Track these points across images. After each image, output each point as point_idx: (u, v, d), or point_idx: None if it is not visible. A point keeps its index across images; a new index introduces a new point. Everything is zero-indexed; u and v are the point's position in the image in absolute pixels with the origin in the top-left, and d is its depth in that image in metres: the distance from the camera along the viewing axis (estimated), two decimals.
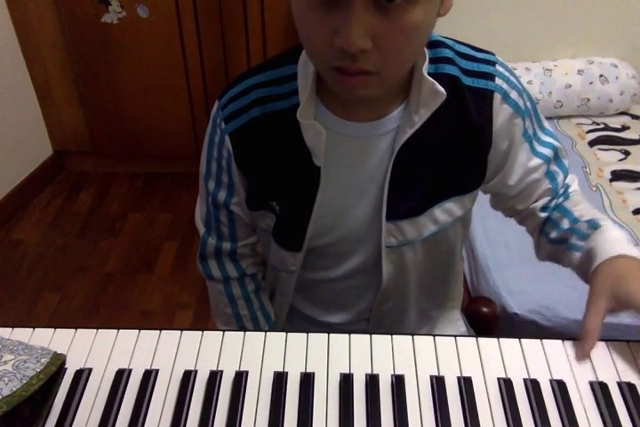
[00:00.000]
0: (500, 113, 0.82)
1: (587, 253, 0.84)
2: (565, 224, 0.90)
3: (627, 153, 2.05)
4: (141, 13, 2.29)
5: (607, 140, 2.13)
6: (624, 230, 0.87)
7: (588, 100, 2.21)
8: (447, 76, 0.78)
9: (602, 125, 2.21)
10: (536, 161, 0.89)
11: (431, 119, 0.77)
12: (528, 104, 0.86)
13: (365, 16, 0.60)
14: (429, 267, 0.95)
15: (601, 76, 2.21)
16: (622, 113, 2.29)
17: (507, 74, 0.82)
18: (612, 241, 0.81)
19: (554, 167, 0.92)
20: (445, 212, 0.87)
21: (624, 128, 2.20)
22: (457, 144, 0.82)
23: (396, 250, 0.89)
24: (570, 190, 0.94)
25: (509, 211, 0.98)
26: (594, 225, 0.86)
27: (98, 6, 2.27)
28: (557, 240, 0.91)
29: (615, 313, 0.77)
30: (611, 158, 2.03)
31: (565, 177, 0.94)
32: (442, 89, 0.75)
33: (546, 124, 0.92)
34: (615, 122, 2.24)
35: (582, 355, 0.76)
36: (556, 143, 0.91)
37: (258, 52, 2.40)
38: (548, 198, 0.93)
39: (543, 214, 0.93)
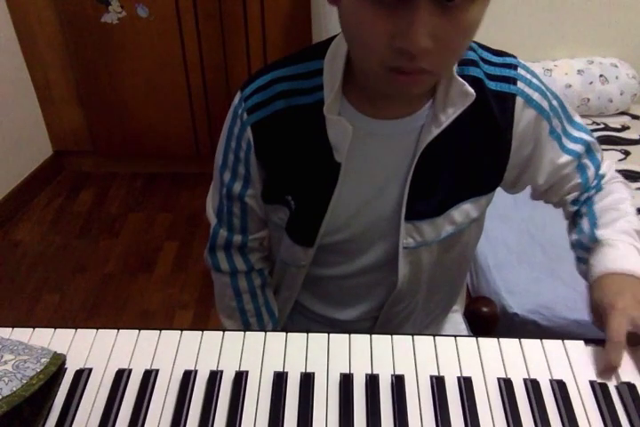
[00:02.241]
0: (523, 117, 0.82)
1: (588, 268, 0.86)
2: (585, 226, 0.90)
3: (627, 153, 2.05)
4: (141, 13, 2.29)
5: (607, 140, 2.13)
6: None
7: (588, 100, 2.21)
8: (472, 78, 0.79)
9: (602, 125, 2.21)
10: (566, 158, 0.89)
11: (455, 120, 0.78)
12: (554, 102, 0.86)
13: (428, 16, 0.60)
14: (443, 268, 0.95)
15: (601, 76, 2.20)
16: (622, 113, 2.29)
17: (528, 76, 0.83)
18: (606, 258, 0.83)
19: (584, 161, 0.91)
20: (463, 213, 0.87)
21: (624, 128, 2.20)
22: (478, 146, 0.82)
23: (413, 251, 0.89)
24: (603, 181, 0.94)
25: (547, 202, 0.99)
26: (594, 238, 0.87)
27: (98, 6, 2.27)
28: (572, 245, 0.94)
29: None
30: (611, 158, 2.02)
31: (597, 170, 0.93)
32: (471, 90, 0.75)
33: (576, 117, 0.91)
34: (615, 122, 2.24)
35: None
36: (587, 137, 0.91)
37: (258, 52, 2.40)
38: (578, 193, 0.93)
39: (573, 208, 0.94)
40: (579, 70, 2.21)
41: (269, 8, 2.29)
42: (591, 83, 2.19)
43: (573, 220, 0.96)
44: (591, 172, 0.92)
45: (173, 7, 2.27)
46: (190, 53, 2.40)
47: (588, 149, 0.91)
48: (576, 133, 0.90)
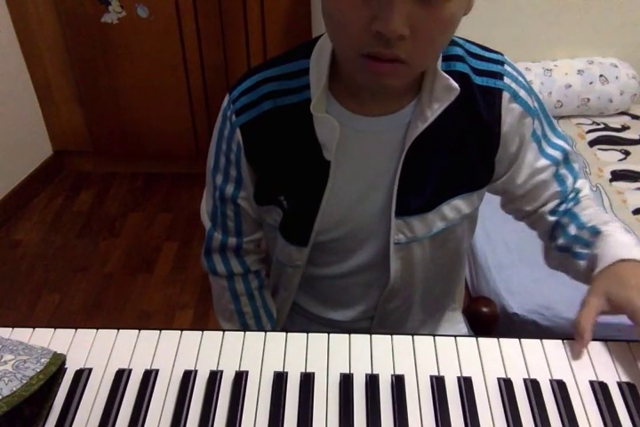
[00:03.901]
0: (509, 112, 0.83)
1: (590, 261, 0.84)
2: (572, 230, 0.89)
3: (627, 153, 2.05)
4: (141, 13, 2.29)
5: (607, 140, 2.13)
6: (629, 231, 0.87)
7: (588, 100, 2.21)
8: (458, 73, 0.79)
9: (602, 125, 2.21)
10: (543, 162, 0.89)
11: (442, 116, 0.78)
12: (536, 104, 0.86)
13: (407, 3, 0.62)
14: (436, 265, 0.95)
15: (601, 76, 2.20)
16: (622, 113, 2.29)
17: (515, 73, 0.83)
18: (615, 246, 0.81)
19: (563, 170, 0.92)
20: (454, 209, 0.87)
21: (624, 128, 2.20)
22: (466, 141, 0.83)
23: (404, 246, 0.89)
24: (580, 195, 0.94)
25: (518, 212, 0.97)
26: (595, 231, 0.86)
27: (98, 6, 2.27)
28: (563, 248, 0.91)
29: (608, 315, 0.77)
30: (611, 158, 2.03)
31: (575, 181, 0.93)
32: (455, 84, 0.75)
33: (558, 126, 0.92)
34: (615, 122, 2.24)
35: (577, 353, 0.76)
36: (566, 146, 0.91)
37: (258, 52, 2.40)
38: (557, 202, 0.92)
39: (552, 218, 0.93)
40: (579, 70, 2.21)
41: (269, 8, 2.29)
42: (591, 83, 2.19)
43: (553, 232, 0.94)
44: (570, 181, 0.92)
45: (173, 7, 2.27)
46: (190, 53, 2.40)
47: (566, 158, 0.92)
48: (556, 140, 0.90)
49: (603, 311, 0.76)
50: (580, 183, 0.94)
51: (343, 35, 0.68)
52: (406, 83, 0.74)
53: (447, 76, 0.75)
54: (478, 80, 0.80)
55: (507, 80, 0.82)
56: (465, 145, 0.83)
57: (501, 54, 0.84)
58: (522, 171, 0.89)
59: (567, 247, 0.90)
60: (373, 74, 0.68)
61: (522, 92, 0.83)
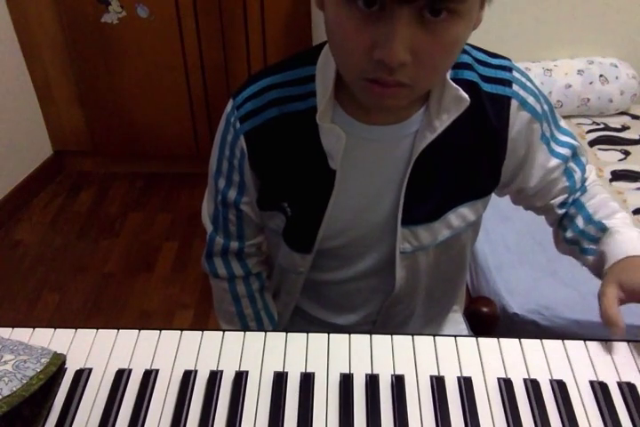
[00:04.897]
0: (517, 119, 0.82)
1: (599, 257, 0.86)
2: (580, 222, 0.91)
3: (627, 153, 2.05)
4: (141, 13, 2.29)
5: (607, 140, 2.13)
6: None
7: (588, 100, 2.21)
8: (466, 81, 0.78)
9: (602, 125, 2.21)
10: (554, 161, 0.89)
11: (450, 124, 0.77)
12: (545, 107, 0.86)
13: (409, 29, 0.60)
14: (440, 271, 0.95)
15: (601, 76, 2.21)
16: (622, 113, 2.29)
17: (523, 79, 0.82)
18: (621, 243, 0.83)
19: (571, 164, 0.92)
20: (459, 217, 0.87)
21: (624, 128, 2.20)
22: (474, 149, 0.82)
23: (409, 255, 0.89)
24: (587, 183, 0.95)
25: (528, 206, 0.99)
26: (602, 227, 0.87)
27: (98, 6, 2.27)
28: (571, 241, 0.93)
29: (625, 303, 0.78)
30: (611, 158, 2.03)
31: (583, 173, 0.94)
32: (465, 95, 0.74)
33: (562, 122, 0.92)
34: (615, 122, 2.24)
35: (617, 336, 0.76)
36: (573, 142, 0.91)
37: (258, 52, 2.40)
38: (566, 196, 0.93)
39: (561, 211, 0.94)
40: (579, 70, 2.21)
41: (269, 8, 2.29)
42: (591, 83, 2.19)
43: (561, 221, 0.96)
44: (578, 175, 0.93)
45: (173, 7, 2.27)
46: (190, 53, 2.40)
47: (574, 153, 0.92)
48: (563, 138, 0.90)
49: (620, 300, 0.77)
50: (587, 170, 0.95)
51: (345, 59, 0.67)
52: (411, 101, 0.73)
53: (457, 86, 0.74)
54: (487, 87, 0.80)
55: (515, 87, 0.81)
56: (472, 152, 0.82)
57: (508, 60, 0.83)
58: (534, 173, 0.89)
59: (575, 241, 0.92)
60: (375, 96, 0.68)
61: (530, 99, 0.82)
